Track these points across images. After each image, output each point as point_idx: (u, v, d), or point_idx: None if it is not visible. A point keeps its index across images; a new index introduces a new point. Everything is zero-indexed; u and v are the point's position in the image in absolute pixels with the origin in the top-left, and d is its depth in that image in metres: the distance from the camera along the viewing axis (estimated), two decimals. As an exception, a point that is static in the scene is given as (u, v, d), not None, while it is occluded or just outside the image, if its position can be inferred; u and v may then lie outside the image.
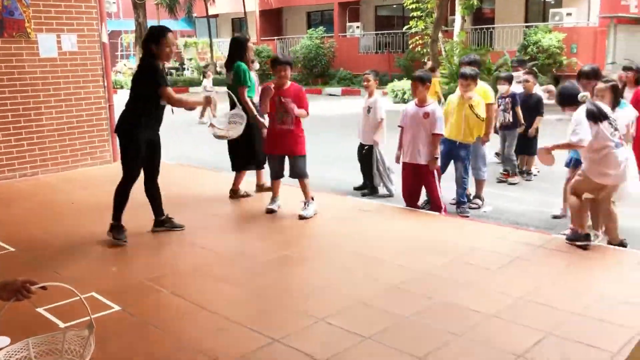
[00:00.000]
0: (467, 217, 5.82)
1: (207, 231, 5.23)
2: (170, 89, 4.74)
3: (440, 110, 5.78)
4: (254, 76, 6.26)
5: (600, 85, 4.91)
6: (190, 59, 28.86)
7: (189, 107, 5.12)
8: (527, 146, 7.57)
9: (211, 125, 5.41)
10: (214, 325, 3.39)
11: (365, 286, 3.91)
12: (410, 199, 5.89)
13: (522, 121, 7.39)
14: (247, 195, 6.34)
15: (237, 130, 5.54)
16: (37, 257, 4.64)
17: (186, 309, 3.65)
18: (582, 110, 4.51)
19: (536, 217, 5.90)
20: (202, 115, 14.33)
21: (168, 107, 4.88)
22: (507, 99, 7.34)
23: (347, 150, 8.01)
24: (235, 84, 6.01)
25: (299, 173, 5.61)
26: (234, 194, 6.33)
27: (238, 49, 6.17)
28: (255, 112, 5.94)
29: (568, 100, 4.68)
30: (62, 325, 3.37)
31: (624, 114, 5.00)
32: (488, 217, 5.90)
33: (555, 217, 5.77)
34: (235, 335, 3.28)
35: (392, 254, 4.51)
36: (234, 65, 6.05)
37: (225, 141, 6.14)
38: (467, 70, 6.00)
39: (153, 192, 5.13)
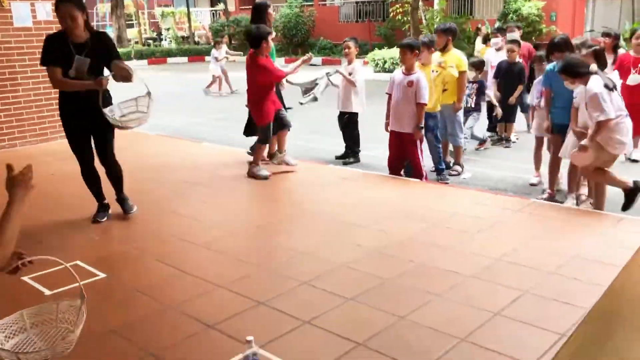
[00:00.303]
0: (447, 183, 5.90)
1: (189, 200, 5.25)
2: (54, 70, 4.26)
3: (424, 79, 5.73)
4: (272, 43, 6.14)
5: (583, 51, 4.97)
6: (168, 29, 28.39)
7: (77, 89, 4.35)
8: (507, 114, 7.68)
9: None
10: (199, 290, 3.44)
11: (348, 251, 3.98)
12: (395, 167, 5.93)
13: (496, 103, 7.57)
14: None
15: (137, 121, 4.46)
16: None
17: (170, 274, 3.69)
18: (598, 83, 4.46)
19: (515, 182, 6.01)
20: (209, 86, 13.90)
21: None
22: (474, 85, 7.30)
23: (328, 120, 8.02)
24: None
25: (288, 123, 6.09)
26: (272, 157, 6.35)
27: (257, 15, 6.22)
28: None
29: (582, 71, 4.58)
30: (47, 293, 3.39)
31: None
32: (468, 184, 6.00)
33: (532, 184, 5.88)
34: (219, 299, 3.33)
35: (373, 219, 4.58)
36: None
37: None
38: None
39: (108, 172, 4.71)
